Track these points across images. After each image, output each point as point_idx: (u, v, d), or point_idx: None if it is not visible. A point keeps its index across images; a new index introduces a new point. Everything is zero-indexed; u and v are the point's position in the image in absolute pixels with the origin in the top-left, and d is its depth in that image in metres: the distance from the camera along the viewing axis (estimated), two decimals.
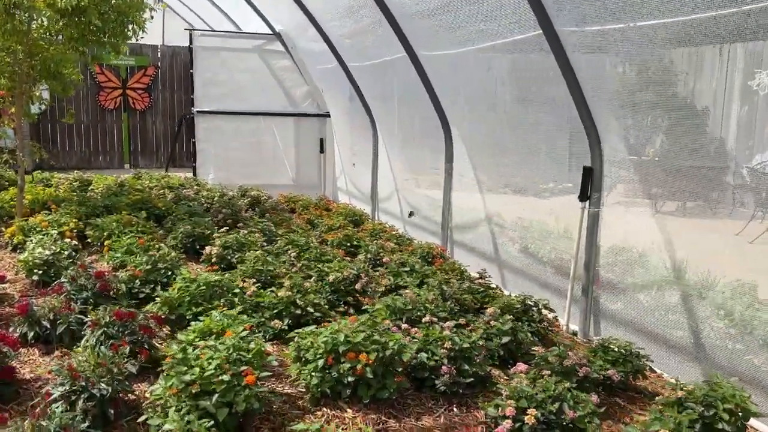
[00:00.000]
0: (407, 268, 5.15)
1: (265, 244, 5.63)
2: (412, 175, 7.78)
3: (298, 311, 4.08)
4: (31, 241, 5.20)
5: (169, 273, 4.56)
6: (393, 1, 6.18)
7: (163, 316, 3.89)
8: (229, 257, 5.20)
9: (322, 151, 10.67)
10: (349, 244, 6.19)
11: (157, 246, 4.99)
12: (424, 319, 3.89)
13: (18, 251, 5.49)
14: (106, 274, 4.23)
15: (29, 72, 5.92)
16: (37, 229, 5.53)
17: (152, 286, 4.45)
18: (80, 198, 6.55)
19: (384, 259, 5.50)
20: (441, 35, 5.94)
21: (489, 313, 4.13)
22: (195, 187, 8.11)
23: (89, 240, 5.67)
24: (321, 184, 10.70)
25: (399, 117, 7.88)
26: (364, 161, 9.26)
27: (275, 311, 4.07)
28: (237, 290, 4.26)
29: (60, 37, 6.09)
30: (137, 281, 4.43)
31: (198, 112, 10.07)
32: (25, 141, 6.25)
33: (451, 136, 6.55)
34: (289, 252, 5.40)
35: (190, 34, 9.97)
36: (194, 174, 10.25)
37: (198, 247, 5.60)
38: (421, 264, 5.32)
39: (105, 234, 5.54)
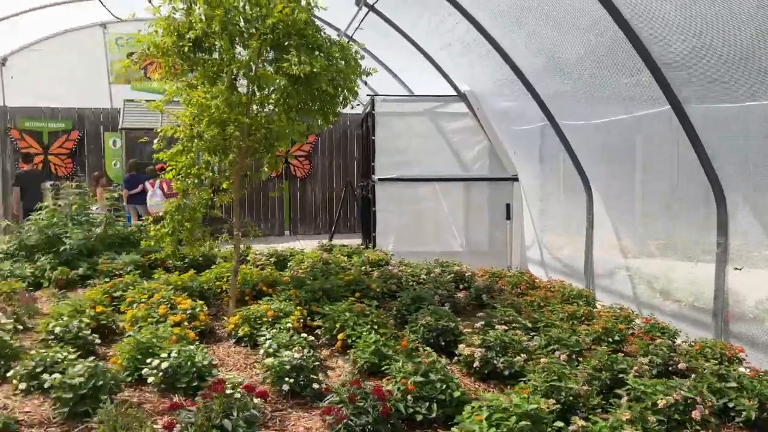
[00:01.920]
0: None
1: (524, 340, 4.63)
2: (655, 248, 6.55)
3: None
4: (264, 336, 4.57)
5: (443, 387, 3.67)
6: (652, 47, 5.21)
7: None
8: (494, 361, 4.25)
9: (508, 217, 9.73)
10: (610, 339, 5.05)
11: (419, 349, 4.15)
12: None
13: (243, 344, 4.90)
14: (385, 394, 3.40)
15: (253, 146, 5.51)
16: (263, 319, 4.93)
17: (427, 404, 3.58)
18: (296, 281, 5.95)
19: (679, 365, 4.32)
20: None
21: None
22: (398, 263, 7.36)
23: (317, 332, 4.98)
24: (507, 254, 9.69)
25: (637, 181, 6.76)
26: (570, 229, 8.18)
27: None
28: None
29: (273, 108, 5.68)
30: (409, 397, 3.58)
31: (379, 179, 9.53)
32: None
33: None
34: (558, 354, 4.37)
35: (372, 100, 9.56)
36: (373, 243, 9.67)
37: (443, 343, 4.72)
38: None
39: (337, 326, 4.83)
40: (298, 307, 5.16)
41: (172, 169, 5.58)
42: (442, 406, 3.61)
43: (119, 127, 12.97)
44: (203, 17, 5.11)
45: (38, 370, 4.00)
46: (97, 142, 13.65)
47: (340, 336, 4.75)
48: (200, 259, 7.88)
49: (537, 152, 8.77)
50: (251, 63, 5.02)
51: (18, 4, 11.16)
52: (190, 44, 5.32)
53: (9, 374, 4.14)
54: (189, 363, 3.95)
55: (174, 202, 5.59)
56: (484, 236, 10.02)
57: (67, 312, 4.98)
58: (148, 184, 12.42)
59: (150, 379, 3.92)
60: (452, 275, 7.13)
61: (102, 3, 12.06)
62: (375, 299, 5.78)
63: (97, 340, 4.81)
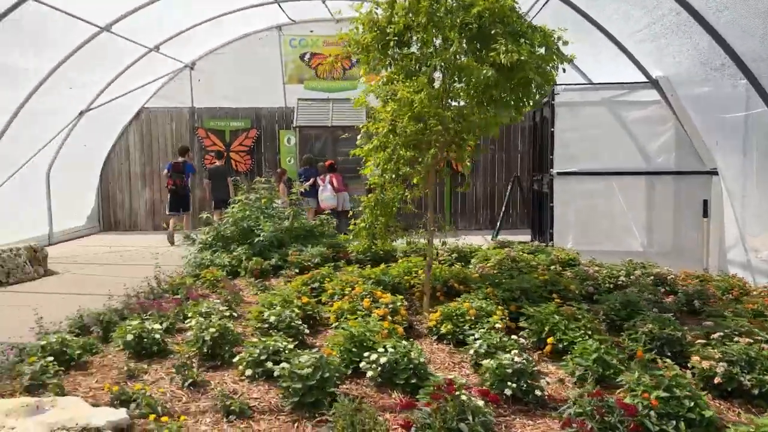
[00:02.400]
0: None
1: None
2: None
3: None
4: (470, 335, 4.44)
5: (691, 404, 3.28)
6: None
7: None
8: (739, 378, 3.75)
9: (705, 215, 8.80)
10: None
11: (656, 360, 3.78)
12: None
13: (446, 342, 4.81)
14: (635, 411, 3.09)
15: (450, 140, 5.39)
16: (465, 317, 4.79)
17: (674, 422, 3.21)
18: (493, 278, 5.78)
19: None
20: None
21: None
22: (592, 264, 6.90)
23: (521, 334, 4.75)
24: (703, 255, 8.78)
25: None
26: None
27: None
28: None
29: (465, 101, 5.51)
30: (652, 413, 3.23)
31: (558, 173, 9.07)
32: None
33: None
34: None
35: (553, 90, 9.11)
36: (548, 241, 9.24)
37: (669, 354, 4.27)
38: None
39: (546, 329, 4.57)
40: (500, 308, 4.96)
41: (369, 165, 5.63)
42: (691, 426, 3.22)
43: (294, 125, 13.64)
44: (406, 11, 5.06)
45: (262, 357, 4.19)
46: (273, 139, 14.49)
47: (549, 340, 4.48)
48: (381, 252, 7.99)
49: (745, 143, 7.80)
50: (456, 54, 4.88)
51: (205, 13, 12.11)
52: (394, 38, 5.31)
53: (235, 360, 4.39)
54: (406, 359, 3.91)
55: (372, 198, 5.64)
56: (668, 235, 9.19)
57: (279, 302, 5.20)
58: (318, 180, 12.96)
59: (369, 374, 3.93)
60: (652, 278, 6.54)
61: (280, 6, 12.73)
62: (573, 301, 5.43)
63: (306, 330, 4.97)
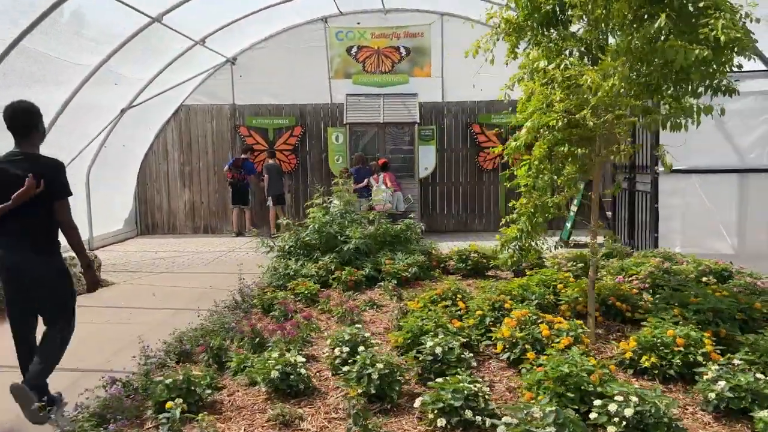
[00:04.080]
0: None
1: None
2: None
3: None
4: (700, 374, 3.65)
5: None
6: None
7: None
8: None
9: None
10: None
11: None
12: None
13: (646, 377, 4.01)
14: None
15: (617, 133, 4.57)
16: (670, 347, 3.99)
17: None
18: (669, 297, 4.96)
19: None
20: None
21: None
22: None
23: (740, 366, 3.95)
24: None
25: None
26: None
27: None
28: None
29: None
30: None
31: (667, 171, 8.25)
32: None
33: None
34: None
35: None
36: (655, 245, 8.46)
37: None
38: None
39: None
40: (704, 334, 4.15)
41: (524, 164, 4.83)
42: None
43: (344, 122, 12.83)
44: None
45: (456, 404, 3.38)
46: (318, 137, 13.66)
47: None
48: (484, 261, 7.23)
49: None
50: (659, 31, 4.05)
51: (248, 5, 11.28)
52: (549, 14, 4.52)
53: (416, 404, 3.58)
54: (653, 410, 3.11)
55: (530, 203, 4.83)
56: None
57: (431, 327, 4.38)
58: (371, 179, 12.16)
59: (610, 429, 3.12)
60: None
61: None
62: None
63: (474, 363, 4.17)
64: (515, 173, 5.06)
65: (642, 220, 8.98)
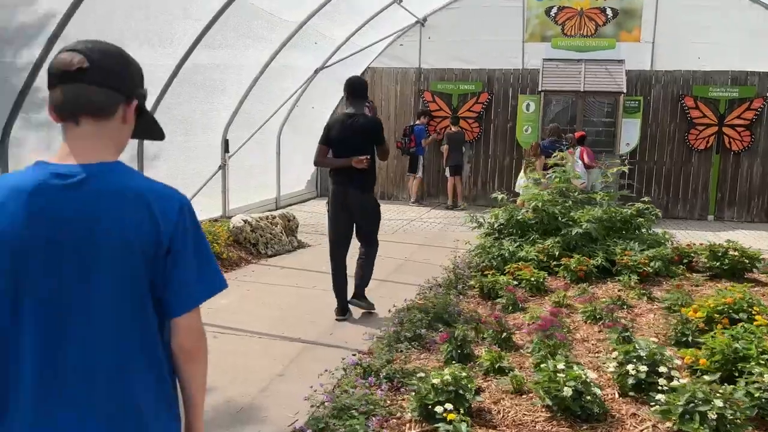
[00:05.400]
0: None
1: None
2: None
3: None
4: None
5: None
6: None
7: None
8: None
9: None
10: None
11: None
12: None
13: None
14: None
15: None
16: None
17: None
18: None
19: None
20: None
21: None
22: None
23: None
24: None
25: None
26: None
27: None
28: None
29: None
30: None
31: None
32: None
33: None
34: None
35: None
36: None
37: None
38: None
39: None
40: None
41: None
42: None
43: (538, 89, 11.77)
44: None
45: None
46: (506, 105, 12.73)
47: None
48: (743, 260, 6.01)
49: None
50: None
51: None
52: None
53: None
54: None
55: None
56: None
57: None
58: (567, 154, 11.05)
59: None
60: None
61: None
62: None
63: None
64: None
65: None
